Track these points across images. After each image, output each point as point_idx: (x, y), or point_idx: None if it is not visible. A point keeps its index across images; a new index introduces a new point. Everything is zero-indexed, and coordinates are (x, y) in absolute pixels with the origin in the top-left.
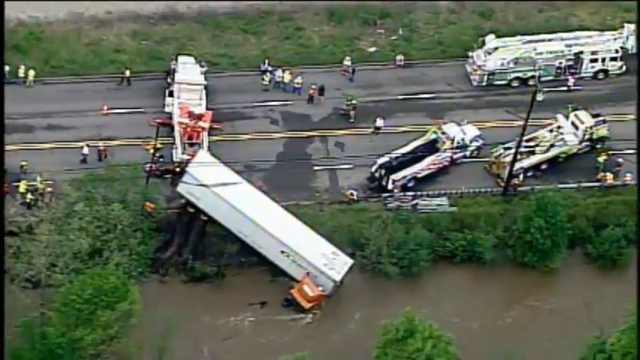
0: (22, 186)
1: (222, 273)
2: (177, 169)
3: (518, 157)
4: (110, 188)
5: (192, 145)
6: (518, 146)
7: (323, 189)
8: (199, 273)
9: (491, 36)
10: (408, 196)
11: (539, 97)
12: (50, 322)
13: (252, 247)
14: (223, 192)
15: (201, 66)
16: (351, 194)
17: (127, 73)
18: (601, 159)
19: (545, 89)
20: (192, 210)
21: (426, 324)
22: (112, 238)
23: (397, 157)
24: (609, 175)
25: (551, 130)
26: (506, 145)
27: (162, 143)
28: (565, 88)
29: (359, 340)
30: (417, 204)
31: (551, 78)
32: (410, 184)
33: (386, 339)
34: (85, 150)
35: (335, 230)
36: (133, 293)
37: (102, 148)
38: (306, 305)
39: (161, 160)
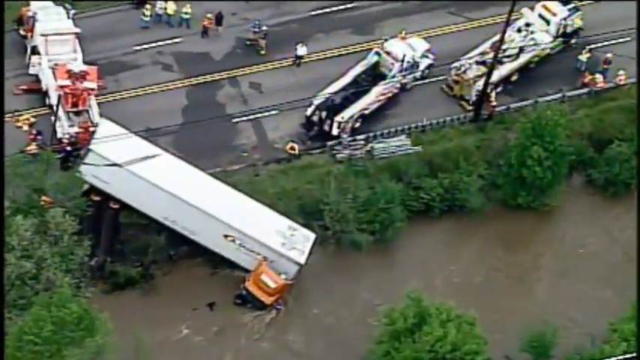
0: None
1: (150, 274)
2: (69, 148)
3: (483, 70)
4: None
5: (78, 113)
6: (495, 57)
7: (250, 146)
8: (123, 278)
9: None
10: (360, 140)
11: None
12: None
13: (183, 235)
14: (140, 169)
15: (66, 9)
16: (292, 148)
17: None
18: (584, 57)
19: None
20: (97, 198)
21: (437, 303)
22: (55, 253)
23: (337, 93)
24: (598, 77)
25: (519, 30)
26: (473, 58)
27: (34, 116)
28: None
29: (342, 335)
30: (372, 149)
31: None
32: (357, 125)
33: (393, 330)
34: None
35: (279, 198)
36: (104, 322)
37: None
38: (268, 300)
39: (40, 137)
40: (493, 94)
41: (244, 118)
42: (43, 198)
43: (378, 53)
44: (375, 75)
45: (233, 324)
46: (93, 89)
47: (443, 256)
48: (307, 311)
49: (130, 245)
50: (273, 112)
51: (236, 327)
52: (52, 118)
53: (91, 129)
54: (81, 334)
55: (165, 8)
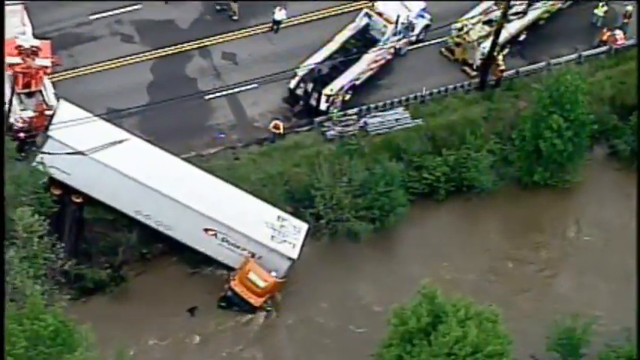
0: None
1: (120, 276)
2: (22, 135)
3: (487, 29)
4: None
5: (30, 95)
6: (504, 15)
7: (227, 126)
8: (91, 282)
9: None
10: (352, 115)
11: None
12: None
13: (157, 231)
14: (106, 157)
15: None
16: (276, 126)
17: None
18: (600, 11)
19: None
20: (57, 191)
21: (454, 299)
22: (22, 258)
23: (323, 62)
24: (618, 33)
25: None
26: (476, 17)
27: None
28: None
29: (341, 339)
30: (366, 124)
31: None
32: (347, 97)
33: (404, 331)
34: None
35: (264, 184)
36: (85, 335)
37: None
38: (257, 301)
39: None
40: (500, 57)
41: (218, 94)
42: None
43: (367, 15)
44: (365, 40)
45: (218, 331)
46: (47, 67)
47: (451, 244)
48: (300, 313)
49: (96, 244)
50: (252, 86)
51: (221, 334)
52: None
53: (47, 112)
54: (58, 349)
55: None
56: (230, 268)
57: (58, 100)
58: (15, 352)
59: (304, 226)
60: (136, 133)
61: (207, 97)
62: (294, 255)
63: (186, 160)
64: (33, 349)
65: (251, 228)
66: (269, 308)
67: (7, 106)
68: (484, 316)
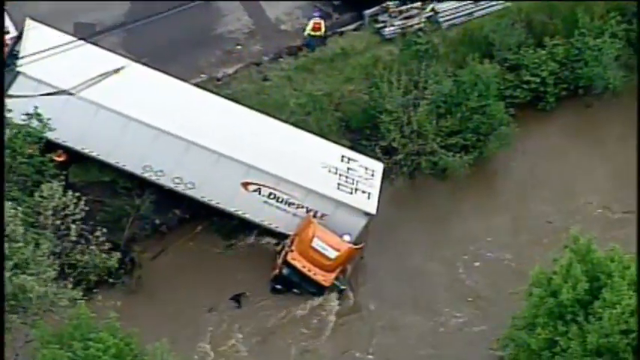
0: None
1: (131, 259)
2: None
3: None
4: None
5: None
6: None
7: (244, 34)
8: (92, 273)
9: None
10: (415, 2)
11: None
12: None
13: (175, 192)
14: (100, 95)
15: None
16: (316, 27)
17: None
18: None
19: None
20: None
21: (613, 253)
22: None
23: None
24: None
25: None
26: None
27: None
28: None
29: (450, 322)
30: (435, 13)
31: None
32: None
33: (555, 305)
34: None
35: (307, 111)
36: (162, 354)
37: None
38: (327, 279)
39: None
40: None
41: None
42: None
43: None
44: None
45: (277, 324)
46: None
47: (570, 171)
48: (381, 291)
49: (92, 218)
50: None
51: (282, 328)
52: None
53: (7, 39)
54: None
55: None
56: (282, 236)
57: (14, 22)
58: None
59: (379, 167)
60: (122, 54)
61: None
62: (372, 209)
63: (198, 86)
64: None
65: (308, 176)
66: (342, 287)
67: None
68: None
